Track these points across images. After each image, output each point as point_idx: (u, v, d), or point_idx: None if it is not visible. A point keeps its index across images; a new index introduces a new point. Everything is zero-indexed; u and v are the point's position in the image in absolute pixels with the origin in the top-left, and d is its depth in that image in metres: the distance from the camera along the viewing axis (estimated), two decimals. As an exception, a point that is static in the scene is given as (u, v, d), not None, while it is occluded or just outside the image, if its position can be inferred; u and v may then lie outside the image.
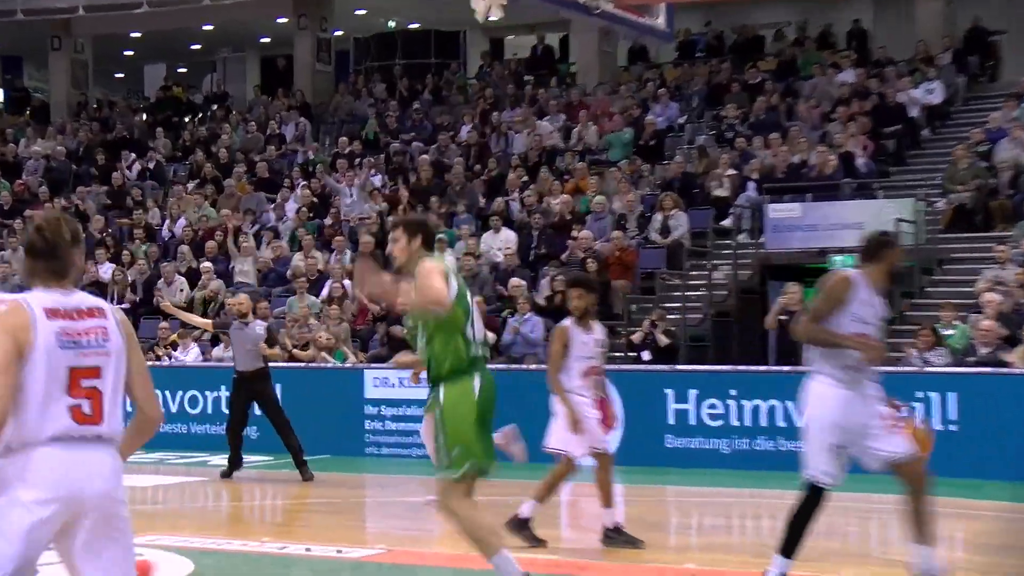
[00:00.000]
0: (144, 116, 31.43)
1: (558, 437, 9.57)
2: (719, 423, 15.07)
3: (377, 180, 23.76)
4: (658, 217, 19.93)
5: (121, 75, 38.73)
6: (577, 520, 11.81)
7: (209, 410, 17.45)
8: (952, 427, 13.83)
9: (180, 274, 21.21)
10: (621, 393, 14.13)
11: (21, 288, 5.62)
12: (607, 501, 9.64)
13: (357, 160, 24.64)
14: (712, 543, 10.87)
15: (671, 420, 15.25)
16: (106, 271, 21.95)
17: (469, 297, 7.07)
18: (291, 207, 23.33)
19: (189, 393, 17.64)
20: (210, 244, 21.77)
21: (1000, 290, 15.80)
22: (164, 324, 18.95)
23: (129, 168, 27.15)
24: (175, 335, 18.90)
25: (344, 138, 26.03)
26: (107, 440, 4.41)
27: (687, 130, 23.80)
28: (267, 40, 35.13)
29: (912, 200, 19.24)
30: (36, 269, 4.48)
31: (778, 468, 13.98)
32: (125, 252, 22.50)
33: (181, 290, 20.78)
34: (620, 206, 20.53)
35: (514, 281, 18.37)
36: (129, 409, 4.60)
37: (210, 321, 16.05)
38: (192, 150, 27.70)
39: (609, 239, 19.38)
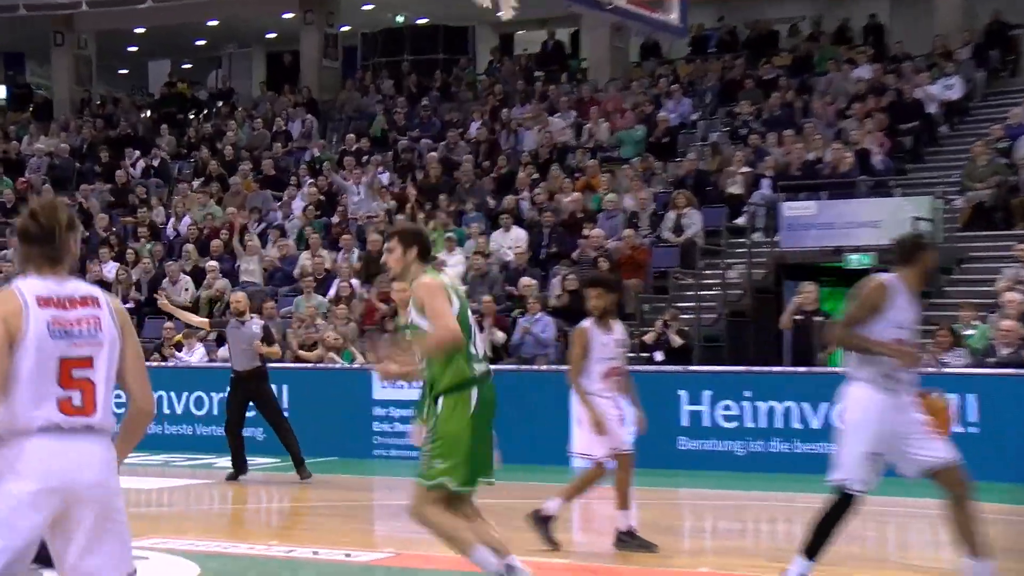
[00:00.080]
0: (148, 113, 31.33)
1: (582, 442, 9.49)
2: (733, 425, 14.94)
3: (385, 178, 23.56)
4: (671, 215, 19.69)
5: (125, 71, 38.62)
6: (590, 523, 11.69)
7: (215, 412, 17.18)
8: (972, 429, 13.61)
9: (185, 273, 21.00)
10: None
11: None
12: (623, 503, 9.53)
13: (365, 157, 24.49)
14: (726, 547, 10.74)
15: (685, 422, 15.12)
16: (110, 270, 21.72)
17: (469, 313, 7.00)
18: (298, 205, 23.13)
19: (195, 394, 17.48)
20: (215, 243, 21.54)
21: (1021, 289, 15.57)
22: (168, 324, 18.71)
23: (133, 166, 26.96)
24: (179, 335, 18.65)
25: (351, 135, 25.87)
26: (99, 431, 4.35)
27: (700, 127, 23.61)
28: (273, 36, 35.03)
29: (930, 198, 18.94)
30: (30, 255, 4.42)
31: (794, 471, 13.91)
32: (129, 251, 22.31)
33: (186, 289, 20.58)
34: (632, 204, 20.32)
35: (524, 280, 18.15)
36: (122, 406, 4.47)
37: (207, 320, 15.88)
38: (197, 147, 27.54)
39: (621, 238, 19.15)
